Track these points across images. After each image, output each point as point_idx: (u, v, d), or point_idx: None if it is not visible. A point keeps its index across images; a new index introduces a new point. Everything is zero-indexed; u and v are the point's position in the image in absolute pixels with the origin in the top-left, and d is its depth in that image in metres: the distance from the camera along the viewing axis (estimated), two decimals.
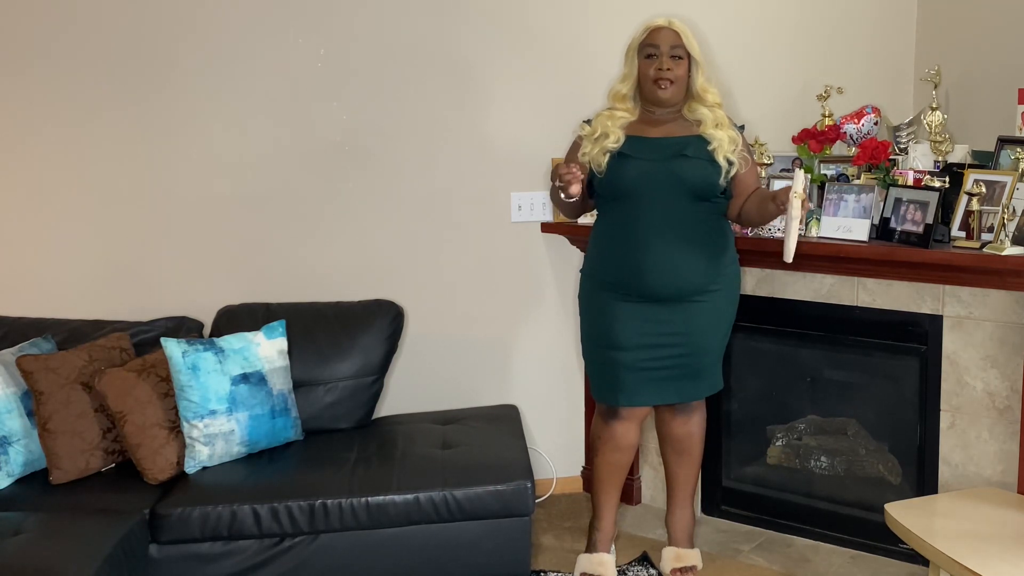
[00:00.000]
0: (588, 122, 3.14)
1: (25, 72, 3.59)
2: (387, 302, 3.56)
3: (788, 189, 2.81)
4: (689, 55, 3.01)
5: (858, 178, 3.30)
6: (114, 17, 3.59)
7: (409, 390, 3.79)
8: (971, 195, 3.03)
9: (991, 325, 3.07)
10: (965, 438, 3.16)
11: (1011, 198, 2.96)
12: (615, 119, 3.07)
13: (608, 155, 3.03)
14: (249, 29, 3.65)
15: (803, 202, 2.79)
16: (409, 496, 2.96)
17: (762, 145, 3.49)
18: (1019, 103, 3.24)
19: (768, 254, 3.21)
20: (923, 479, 3.26)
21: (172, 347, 3.11)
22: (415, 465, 3.11)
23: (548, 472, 3.94)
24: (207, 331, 3.50)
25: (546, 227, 3.83)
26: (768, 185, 3.36)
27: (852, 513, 3.46)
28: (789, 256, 2.85)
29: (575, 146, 3.17)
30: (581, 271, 3.21)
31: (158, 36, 3.61)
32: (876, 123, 3.53)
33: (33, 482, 3.05)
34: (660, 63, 2.99)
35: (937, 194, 3.04)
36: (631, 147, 3.03)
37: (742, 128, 3.12)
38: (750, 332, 3.53)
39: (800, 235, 2.91)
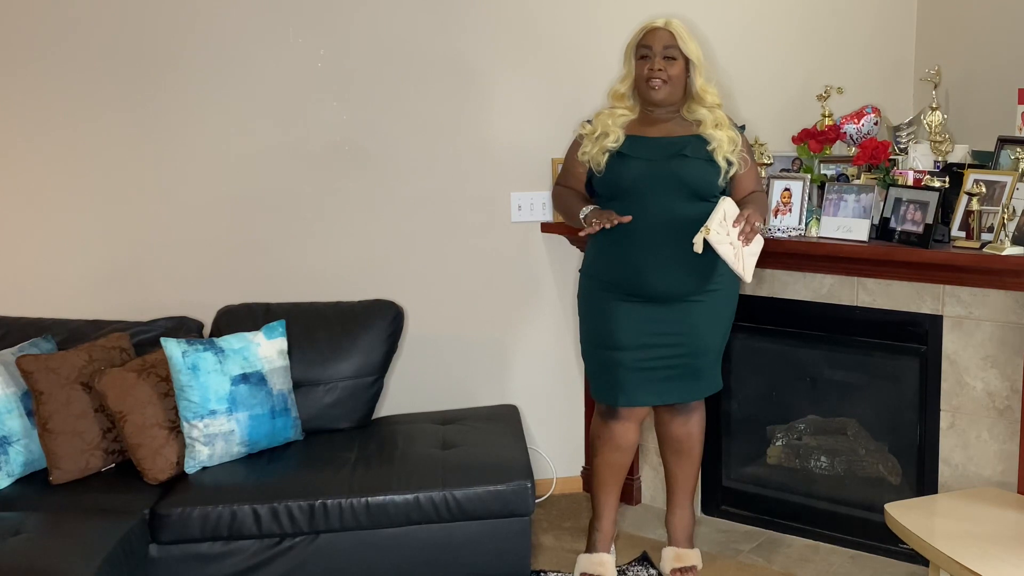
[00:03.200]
0: (589, 121, 3.14)
1: (24, 73, 3.59)
2: (387, 302, 3.56)
3: (743, 214, 2.91)
4: (685, 56, 3.00)
5: (858, 178, 3.30)
6: (114, 17, 3.59)
7: (409, 390, 3.79)
8: (971, 195, 3.03)
9: (991, 325, 3.07)
10: (965, 438, 3.16)
11: (1011, 198, 2.96)
12: (616, 118, 3.07)
13: (607, 154, 3.03)
14: (249, 29, 3.65)
15: (744, 228, 2.88)
16: (409, 496, 2.96)
17: (762, 145, 3.49)
18: (1019, 103, 3.24)
19: (768, 254, 3.20)
20: (923, 479, 3.26)
21: (172, 347, 3.11)
22: (415, 465, 3.11)
23: (548, 472, 3.94)
24: (207, 331, 3.50)
25: (546, 227, 3.83)
26: (768, 185, 3.36)
27: (852, 513, 3.46)
28: (744, 277, 2.96)
29: (575, 145, 3.17)
30: (580, 271, 3.21)
31: (158, 36, 3.61)
32: (876, 123, 3.53)
33: (33, 482, 3.05)
34: (652, 63, 2.99)
35: (937, 194, 3.04)
36: (630, 147, 3.03)
37: (742, 128, 3.12)
38: (750, 332, 3.53)
39: (772, 242, 3.04)
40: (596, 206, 3.04)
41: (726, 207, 2.91)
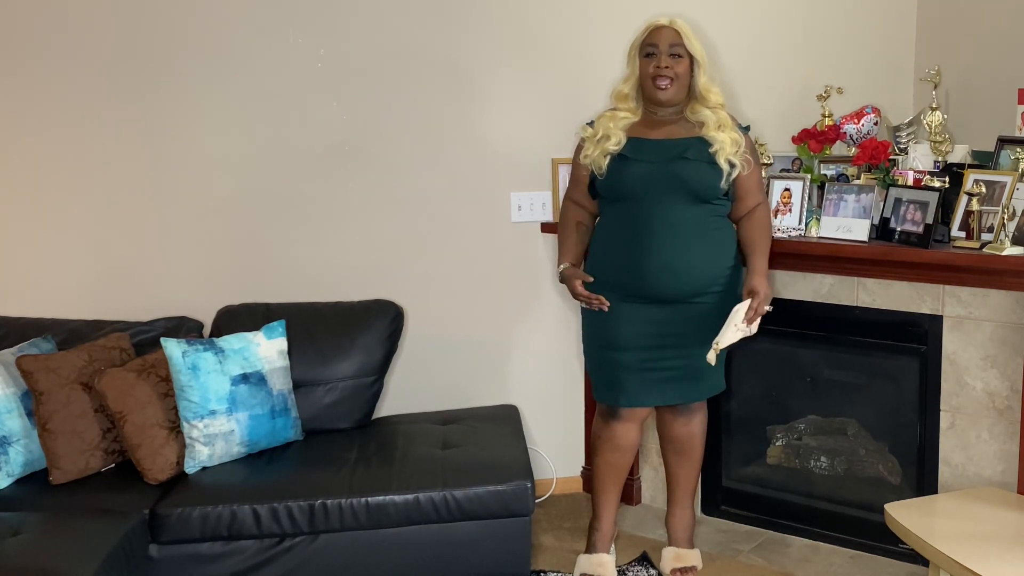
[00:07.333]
0: (591, 123, 3.14)
1: (24, 72, 3.59)
2: (387, 302, 3.56)
3: (745, 304, 2.95)
4: (690, 55, 3.00)
5: (858, 178, 3.30)
6: (113, 17, 3.59)
7: (409, 390, 3.79)
8: (971, 195, 3.03)
9: (991, 325, 3.07)
10: (965, 438, 3.16)
11: (1011, 198, 2.96)
12: (617, 120, 3.07)
13: (608, 157, 3.03)
14: (248, 29, 3.65)
15: (751, 315, 2.94)
16: (409, 496, 2.96)
17: (762, 145, 3.49)
18: (1019, 103, 3.24)
19: (769, 255, 3.20)
20: (923, 479, 3.26)
21: (172, 347, 3.11)
22: (415, 465, 3.11)
23: (548, 472, 3.94)
24: (207, 331, 3.50)
25: (546, 227, 3.83)
26: (768, 185, 3.36)
27: (852, 513, 3.45)
28: (713, 347, 2.96)
29: (579, 148, 3.17)
30: (583, 271, 3.21)
31: (157, 36, 3.61)
32: (876, 123, 3.53)
33: (33, 482, 3.05)
34: (658, 61, 2.98)
35: (937, 194, 3.04)
36: (632, 149, 3.02)
37: (747, 129, 3.10)
38: None
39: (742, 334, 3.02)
40: (568, 265, 3.13)
41: (736, 320, 2.93)
